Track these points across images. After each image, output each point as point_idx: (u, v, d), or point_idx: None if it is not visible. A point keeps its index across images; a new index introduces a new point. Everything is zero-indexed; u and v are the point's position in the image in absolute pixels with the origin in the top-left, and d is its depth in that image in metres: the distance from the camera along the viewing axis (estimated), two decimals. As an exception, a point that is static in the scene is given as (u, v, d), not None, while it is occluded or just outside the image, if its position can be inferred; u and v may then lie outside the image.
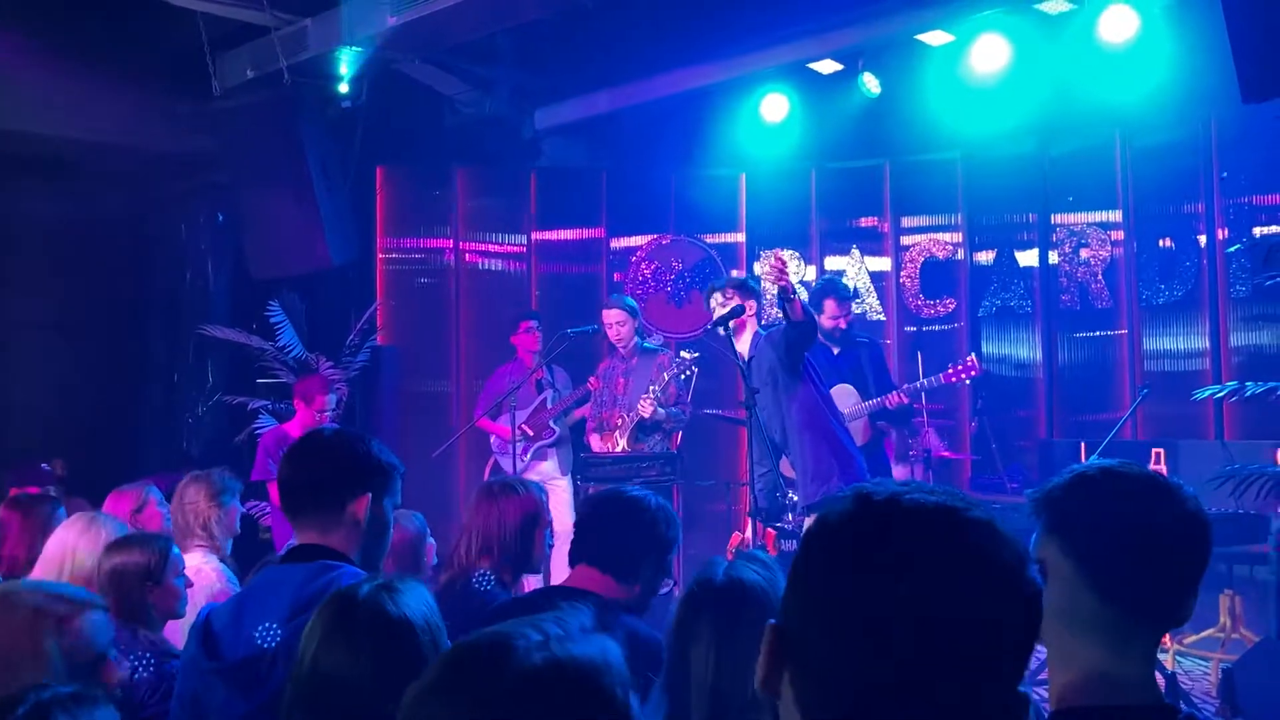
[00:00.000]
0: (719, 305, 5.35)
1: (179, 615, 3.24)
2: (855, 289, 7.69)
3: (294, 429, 6.25)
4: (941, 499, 1.02)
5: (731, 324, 5.06)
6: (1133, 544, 1.57)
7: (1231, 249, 6.66)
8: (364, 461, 2.39)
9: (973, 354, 6.42)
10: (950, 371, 6.14)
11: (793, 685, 1.02)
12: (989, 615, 0.98)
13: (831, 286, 6.27)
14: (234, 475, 4.23)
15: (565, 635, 1.17)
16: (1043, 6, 6.15)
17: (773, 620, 1.05)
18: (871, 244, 8.16)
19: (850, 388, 6.06)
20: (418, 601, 1.94)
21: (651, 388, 6.21)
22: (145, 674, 2.89)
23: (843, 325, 6.07)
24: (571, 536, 2.81)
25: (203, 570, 3.85)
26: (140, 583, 3.11)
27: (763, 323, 6.01)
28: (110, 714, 1.86)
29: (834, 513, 1.05)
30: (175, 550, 3.27)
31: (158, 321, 8.59)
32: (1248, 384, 5.17)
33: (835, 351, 6.15)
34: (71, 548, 3.39)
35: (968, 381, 6.28)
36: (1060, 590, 1.58)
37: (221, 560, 4.01)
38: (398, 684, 1.87)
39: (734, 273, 7.80)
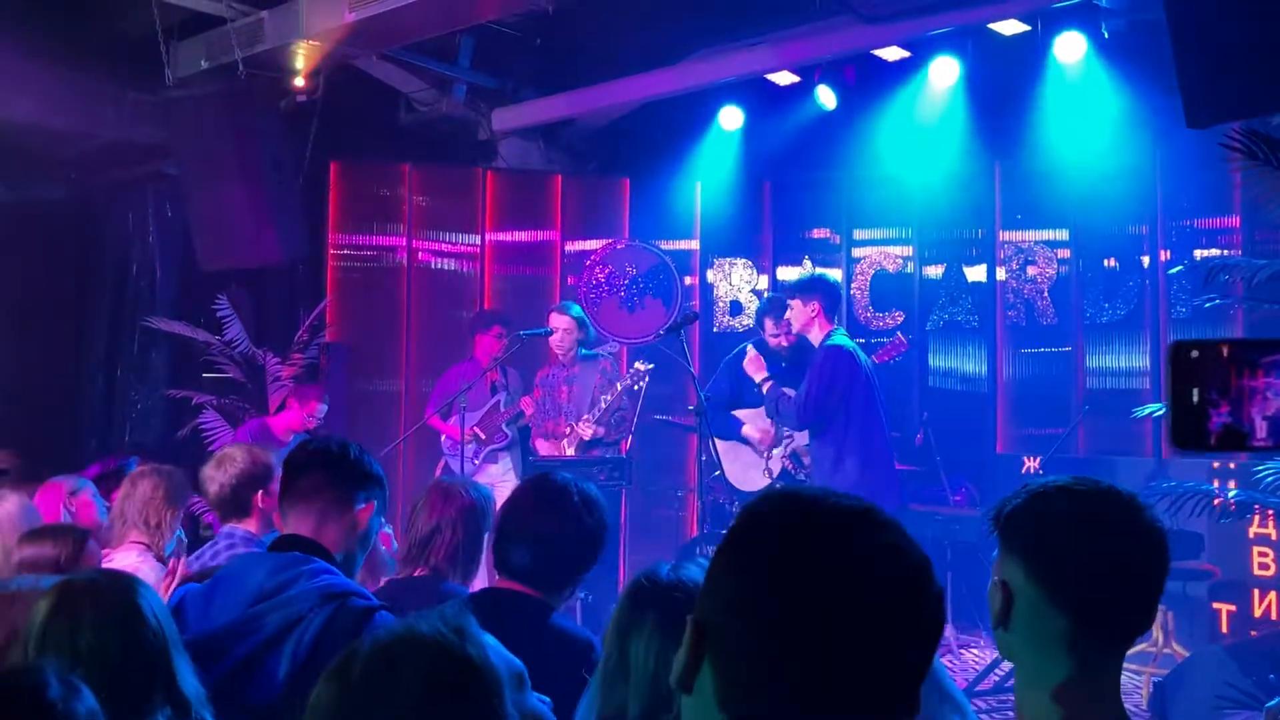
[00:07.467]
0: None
1: None
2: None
3: (277, 423, 6.57)
4: (855, 503, 1.05)
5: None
6: (1098, 565, 1.57)
7: (1173, 270, 6.80)
8: (373, 473, 2.52)
9: (899, 333, 6.50)
10: (880, 352, 6.12)
11: (714, 680, 1.03)
12: (901, 613, 1.01)
13: (766, 305, 6.25)
14: (186, 478, 4.16)
15: (420, 618, 1.41)
16: (997, 27, 6.24)
17: (692, 615, 1.07)
18: (824, 255, 8.21)
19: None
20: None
21: (603, 398, 6.13)
22: None
23: (785, 342, 6.05)
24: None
25: (141, 570, 3.77)
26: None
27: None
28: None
29: (751, 513, 1.08)
30: (92, 544, 3.16)
31: (101, 311, 8.45)
32: (1185, 404, 5.25)
33: (783, 365, 6.17)
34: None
35: (897, 358, 6.31)
36: (1028, 613, 1.58)
37: (159, 561, 3.93)
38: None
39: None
